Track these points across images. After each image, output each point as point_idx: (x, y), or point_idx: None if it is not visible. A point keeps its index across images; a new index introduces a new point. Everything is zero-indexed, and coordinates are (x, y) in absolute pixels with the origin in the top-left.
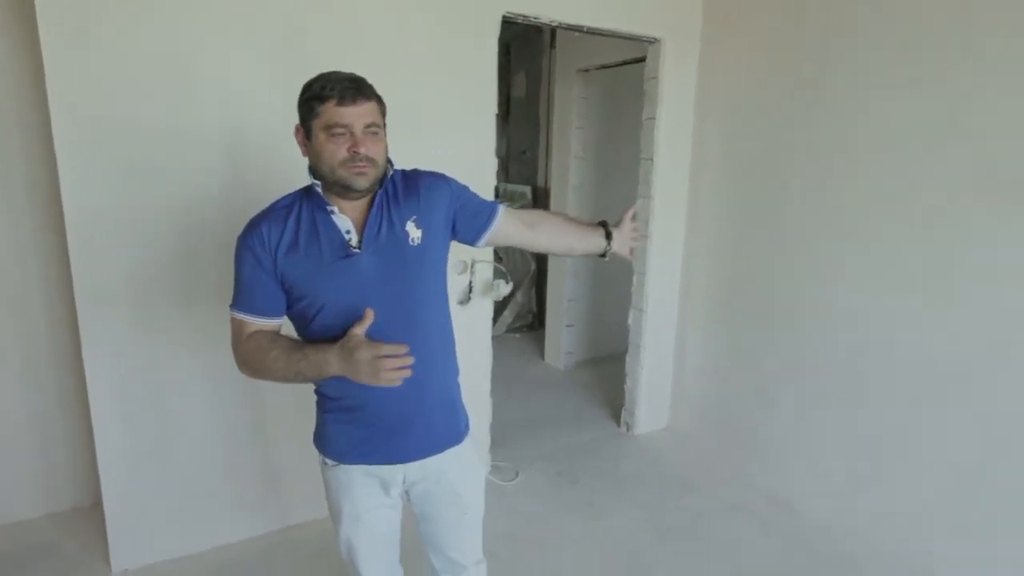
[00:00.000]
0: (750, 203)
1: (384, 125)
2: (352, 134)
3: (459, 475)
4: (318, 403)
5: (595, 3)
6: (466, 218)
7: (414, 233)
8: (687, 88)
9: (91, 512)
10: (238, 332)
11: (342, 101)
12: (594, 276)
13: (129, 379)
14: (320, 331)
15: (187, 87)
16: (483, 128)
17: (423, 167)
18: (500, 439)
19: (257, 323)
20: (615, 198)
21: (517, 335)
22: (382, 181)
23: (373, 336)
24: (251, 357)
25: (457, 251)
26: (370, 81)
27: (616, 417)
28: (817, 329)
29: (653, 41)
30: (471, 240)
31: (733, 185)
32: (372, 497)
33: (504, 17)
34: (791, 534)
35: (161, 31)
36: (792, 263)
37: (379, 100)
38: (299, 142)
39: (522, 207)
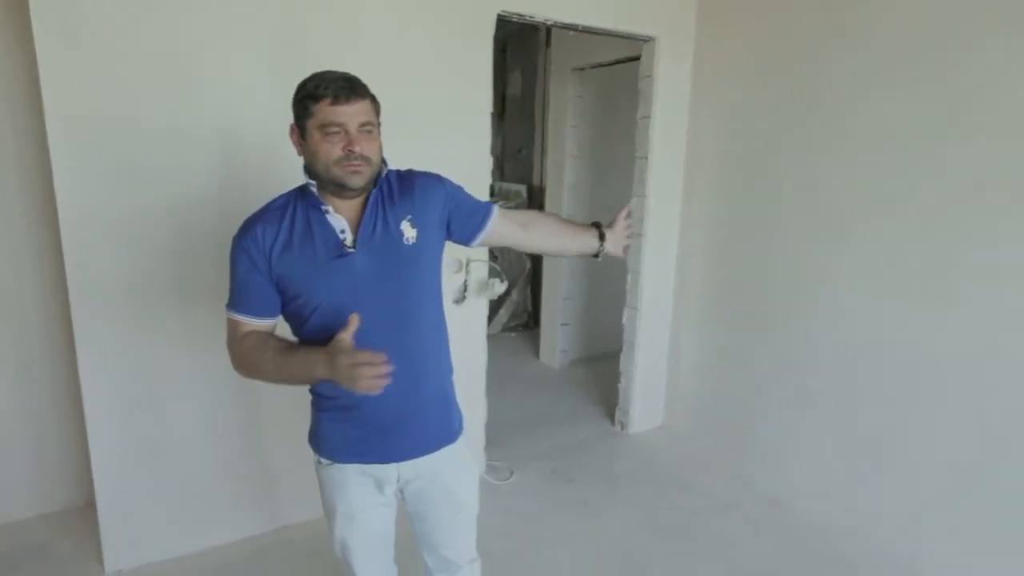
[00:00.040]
0: (745, 202)
1: (378, 124)
2: (346, 133)
3: (453, 474)
4: (313, 402)
5: (590, 2)
6: (461, 218)
7: (409, 232)
8: (682, 87)
9: (84, 512)
10: (233, 332)
11: (336, 100)
12: (589, 275)
13: (123, 379)
14: (315, 330)
15: (183, 87)
16: (478, 127)
17: (419, 166)
18: (495, 438)
19: (252, 323)
20: (610, 197)
21: (512, 334)
22: (376, 180)
23: (367, 335)
24: (245, 357)
25: (452, 250)
26: (366, 80)
27: (611, 416)
28: (811, 328)
29: (648, 40)
30: (465, 240)
31: (728, 184)
32: (366, 496)
33: (499, 16)
34: (785, 533)
35: (157, 31)
36: (787, 262)
37: (373, 99)
38: (294, 142)
39: (517, 206)
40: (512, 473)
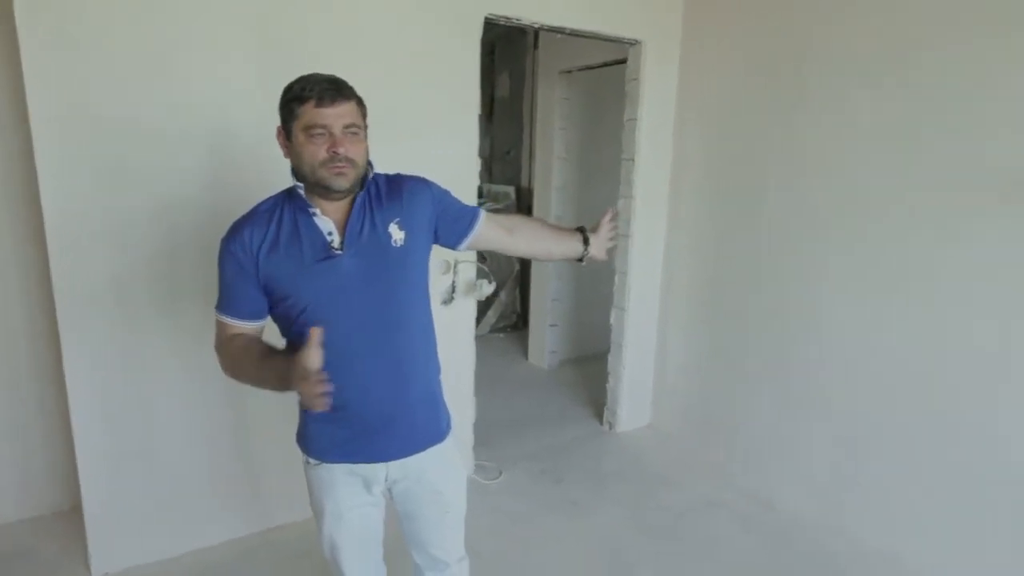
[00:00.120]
0: (730, 203)
1: (365, 126)
2: (331, 135)
3: (441, 473)
4: (300, 403)
5: (577, 5)
6: (448, 222)
7: (397, 235)
8: (668, 89)
9: (70, 516)
10: (221, 334)
11: (321, 102)
12: (577, 276)
13: (110, 381)
14: (303, 333)
15: (171, 88)
16: (467, 129)
17: (407, 167)
18: (484, 438)
19: (238, 326)
20: (598, 198)
21: (501, 335)
22: (363, 182)
23: (354, 337)
24: (231, 360)
25: (440, 251)
26: (353, 83)
27: (599, 416)
28: (797, 328)
29: (634, 43)
30: (452, 244)
31: (714, 185)
32: (355, 496)
33: (487, 18)
34: (771, 531)
35: (144, 30)
36: (772, 263)
37: (359, 101)
38: (281, 144)
39: (506, 207)
40: (501, 473)
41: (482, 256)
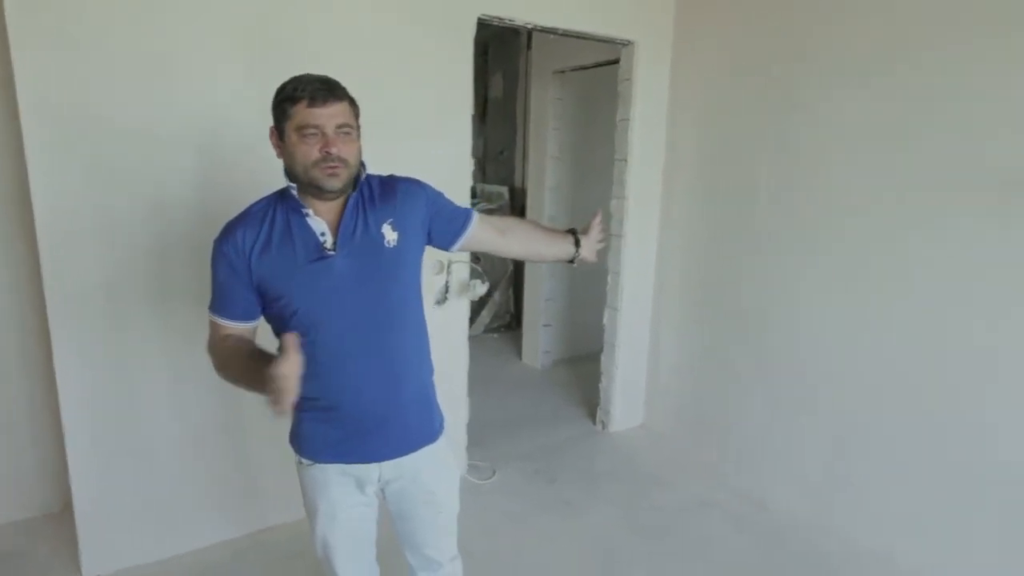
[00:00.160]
0: (723, 203)
1: (358, 127)
2: (324, 135)
3: (434, 474)
4: (294, 403)
5: (569, 6)
6: (441, 223)
7: (390, 235)
8: (660, 90)
9: (61, 518)
10: (213, 334)
11: (313, 102)
12: (571, 276)
13: (101, 382)
14: (297, 332)
15: (163, 87)
16: (459, 129)
17: (400, 168)
18: (478, 438)
19: (231, 326)
20: (591, 198)
21: (495, 335)
22: (356, 183)
23: (347, 337)
24: (221, 360)
25: (434, 251)
26: (346, 83)
27: (592, 415)
28: (788, 328)
29: (626, 43)
30: (445, 245)
31: (706, 185)
32: (348, 496)
33: (480, 19)
34: (764, 531)
35: (136, 29)
36: (764, 263)
37: (352, 101)
38: (274, 144)
39: (499, 207)
40: (494, 473)
41: (475, 256)
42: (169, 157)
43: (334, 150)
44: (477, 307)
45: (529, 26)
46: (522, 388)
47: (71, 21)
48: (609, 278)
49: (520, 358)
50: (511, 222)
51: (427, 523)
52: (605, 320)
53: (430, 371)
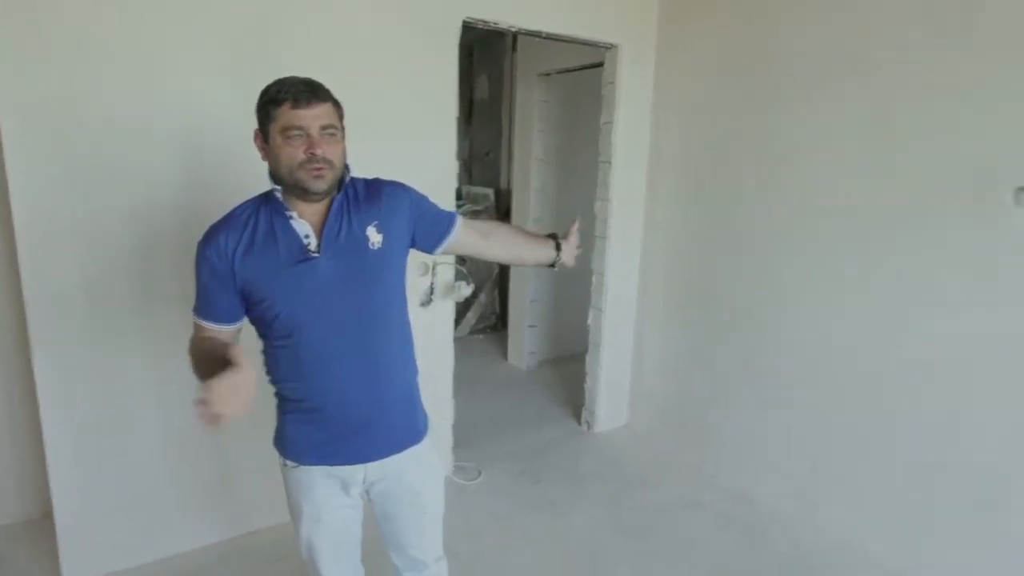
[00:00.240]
0: (706, 204)
1: (342, 128)
2: (308, 136)
3: (418, 474)
4: (278, 405)
5: (553, 9)
6: (425, 227)
7: (375, 238)
8: (644, 92)
9: (41, 524)
10: (194, 334)
11: (297, 104)
12: (555, 278)
13: (81, 386)
14: (280, 335)
15: (146, 88)
16: (445, 131)
17: (385, 170)
18: (463, 439)
19: (212, 328)
20: (576, 200)
21: (480, 336)
22: (341, 185)
23: (331, 340)
24: (193, 361)
25: (419, 253)
26: (331, 85)
27: (577, 416)
28: (770, 327)
29: (610, 47)
30: (429, 248)
31: (689, 186)
32: (333, 497)
33: (464, 22)
34: (748, 530)
35: (118, 27)
36: (747, 263)
37: (336, 103)
38: (258, 147)
39: (485, 209)
40: (480, 473)
41: (460, 258)
42: (152, 158)
43: (319, 151)
44: (463, 308)
45: (514, 29)
46: (507, 389)
47: (51, 20)
48: (593, 279)
49: (505, 359)
50: (494, 226)
51: (412, 524)
52: (590, 321)
53: (415, 372)
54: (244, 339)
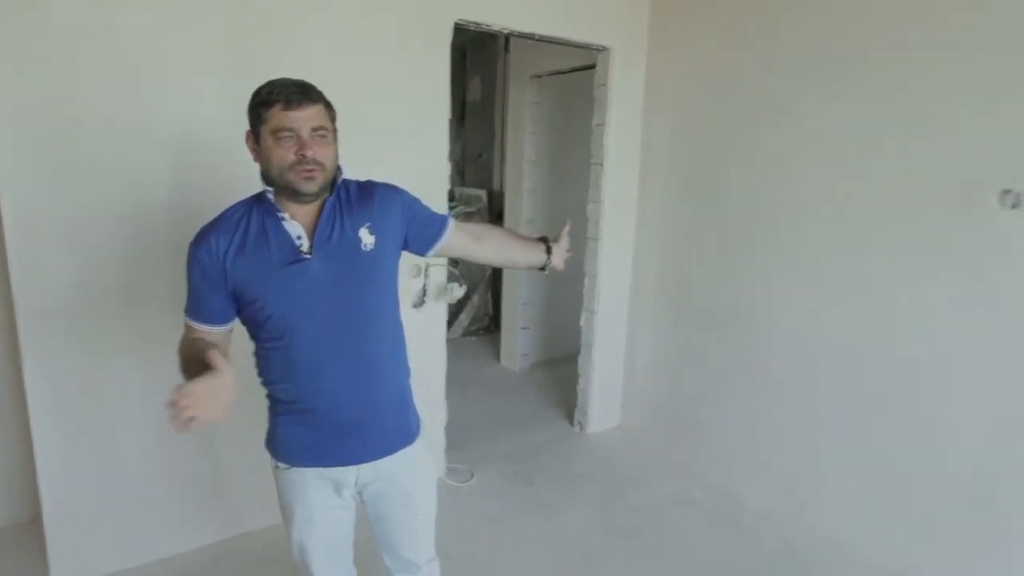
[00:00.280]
0: (696, 204)
1: (334, 130)
2: (299, 138)
3: (411, 476)
4: (270, 407)
5: (545, 12)
6: (418, 229)
7: (367, 239)
8: (635, 94)
9: (30, 527)
10: (184, 335)
11: (288, 105)
12: (548, 280)
13: (71, 389)
14: (272, 336)
15: (137, 89)
16: (437, 133)
17: (378, 172)
18: (456, 441)
19: (202, 329)
20: (568, 201)
21: (473, 338)
22: (333, 186)
23: (323, 341)
24: (181, 360)
25: (411, 255)
26: (323, 87)
27: (570, 417)
28: (761, 326)
29: (602, 49)
30: (421, 250)
31: (680, 187)
32: (325, 499)
33: (456, 24)
34: (739, 528)
35: (109, 27)
36: (735, 262)
37: (327, 105)
38: (250, 148)
39: (478, 210)
40: (472, 475)
41: (453, 260)
42: (144, 159)
43: (309, 153)
44: (455, 310)
45: (506, 31)
46: (500, 391)
47: (41, 21)
48: (586, 281)
49: (498, 361)
50: (486, 229)
51: (404, 525)
52: (582, 323)
53: (407, 374)
54: (235, 340)
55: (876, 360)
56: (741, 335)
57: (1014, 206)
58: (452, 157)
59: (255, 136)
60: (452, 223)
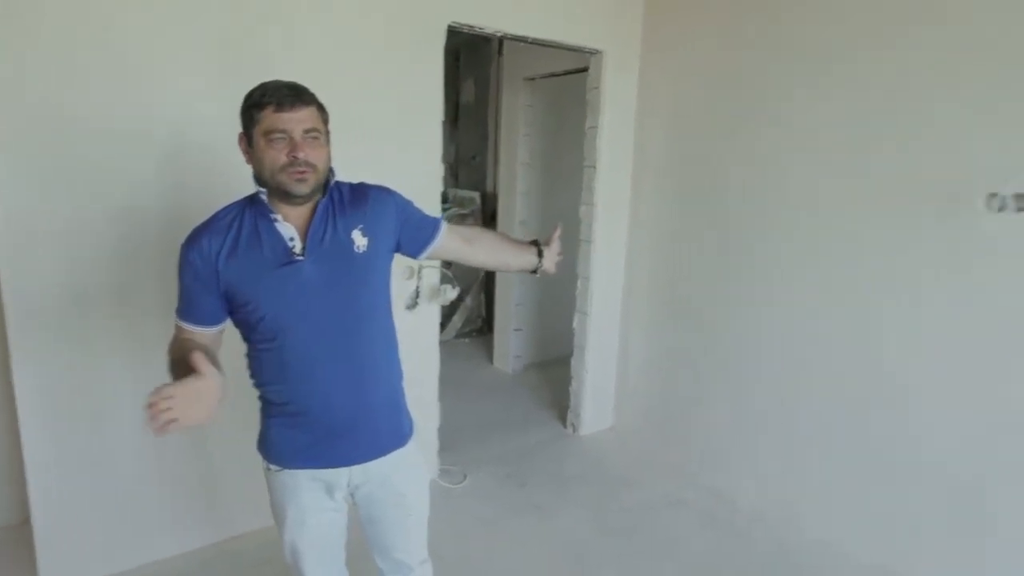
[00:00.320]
0: (689, 206)
1: (327, 132)
2: (291, 139)
3: (403, 477)
4: (262, 409)
5: (539, 15)
6: (410, 232)
7: (360, 241)
8: (628, 97)
9: (20, 530)
10: (175, 335)
11: (280, 107)
12: (541, 282)
13: (61, 391)
14: (265, 338)
15: (132, 88)
16: (430, 135)
17: (371, 174)
18: (449, 443)
19: (193, 330)
20: (561, 204)
21: (466, 340)
22: (325, 188)
23: (315, 342)
24: (169, 361)
25: (403, 257)
26: (316, 88)
27: (563, 419)
28: (753, 328)
29: (595, 52)
30: (414, 253)
31: (673, 189)
32: (317, 501)
33: (450, 26)
34: (731, 528)
35: (101, 26)
36: (729, 263)
37: (320, 107)
38: (242, 150)
39: (472, 212)
40: (465, 477)
41: (446, 262)
42: (137, 160)
43: (301, 155)
44: (449, 312)
45: (499, 34)
46: (493, 392)
47: (33, 19)
48: (579, 283)
49: (491, 363)
50: (478, 232)
51: (396, 526)
52: (575, 324)
53: (400, 376)
54: (227, 342)
55: (868, 361)
56: (733, 336)
57: (1000, 209)
58: (446, 159)
59: (247, 138)
60: (444, 226)
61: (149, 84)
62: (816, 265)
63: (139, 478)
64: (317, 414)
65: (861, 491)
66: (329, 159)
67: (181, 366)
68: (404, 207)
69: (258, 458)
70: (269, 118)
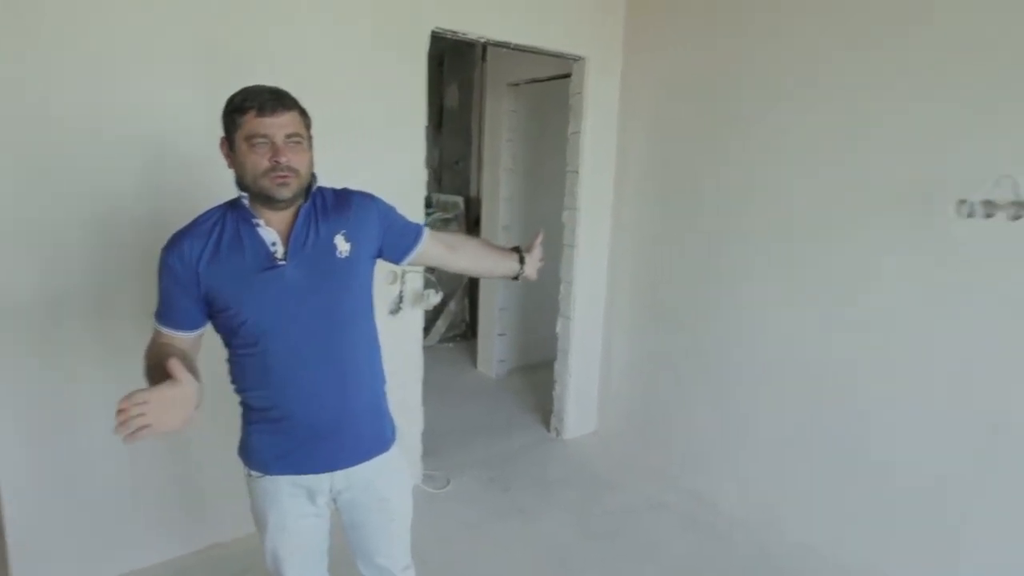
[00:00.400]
0: (670, 208)
1: (309, 137)
2: (273, 144)
3: (386, 481)
4: (243, 415)
5: (522, 21)
6: (393, 238)
7: (342, 246)
8: (610, 102)
9: None
10: (152, 339)
11: (262, 112)
12: (524, 286)
13: (35, 398)
14: (247, 343)
15: (110, 89)
16: (414, 140)
17: (354, 179)
18: (432, 447)
19: (170, 334)
20: (544, 209)
21: (450, 344)
22: (307, 193)
23: (298, 347)
24: (145, 365)
25: (386, 263)
26: (299, 93)
27: (546, 423)
28: (731, 331)
29: (578, 59)
30: (396, 259)
31: (655, 192)
32: (299, 507)
33: (434, 32)
34: (712, 531)
35: (82, 26)
36: (709, 266)
37: (302, 111)
38: (224, 155)
39: (455, 217)
40: (449, 482)
41: (429, 267)
42: (116, 163)
43: (283, 159)
44: (432, 317)
45: (483, 40)
46: (477, 397)
47: (6, 16)
48: (562, 287)
49: (475, 367)
50: (461, 239)
51: (379, 530)
52: (558, 329)
53: (382, 381)
54: (208, 347)
55: (844, 365)
56: (713, 340)
57: (969, 215)
58: (429, 164)
59: (229, 143)
60: (427, 232)
61: (129, 87)
62: (795, 269)
63: (117, 486)
64: (299, 419)
65: (841, 494)
66: (311, 164)
67: (157, 371)
68: (387, 213)
69: (239, 464)
70: (251, 123)
